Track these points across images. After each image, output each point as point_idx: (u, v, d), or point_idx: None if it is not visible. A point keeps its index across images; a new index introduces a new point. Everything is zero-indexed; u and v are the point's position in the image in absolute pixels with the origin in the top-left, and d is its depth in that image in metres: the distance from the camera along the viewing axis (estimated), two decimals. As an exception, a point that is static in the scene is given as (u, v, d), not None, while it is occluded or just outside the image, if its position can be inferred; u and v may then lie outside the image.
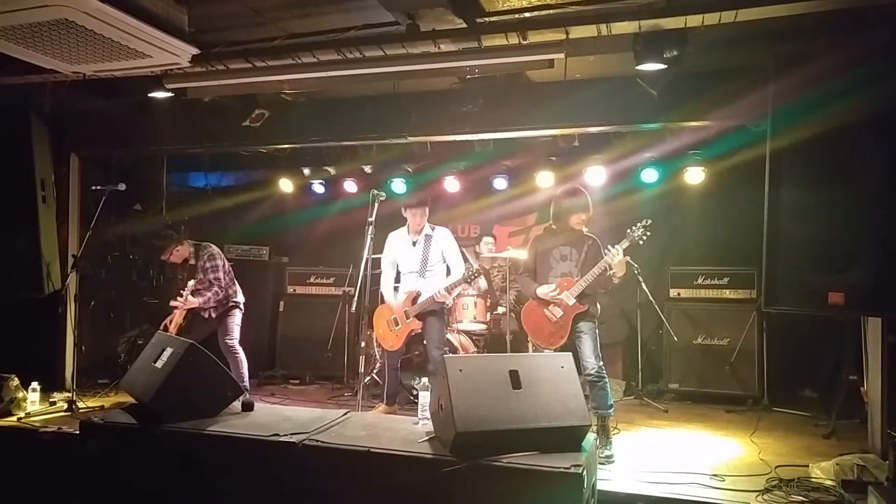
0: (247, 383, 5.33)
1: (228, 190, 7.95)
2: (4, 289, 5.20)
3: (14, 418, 5.05)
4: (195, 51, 3.76)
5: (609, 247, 4.21)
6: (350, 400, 5.87)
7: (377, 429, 3.34)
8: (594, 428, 3.88)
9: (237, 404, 3.72)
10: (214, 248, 5.43)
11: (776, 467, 4.02)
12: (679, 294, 6.32)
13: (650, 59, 3.93)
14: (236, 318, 5.42)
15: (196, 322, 5.35)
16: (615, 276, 4.22)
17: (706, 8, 3.51)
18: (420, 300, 5.16)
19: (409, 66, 4.18)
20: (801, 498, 3.52)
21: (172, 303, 5.31)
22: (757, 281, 5.88)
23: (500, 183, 6.96)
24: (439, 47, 3.96)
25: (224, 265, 5.40)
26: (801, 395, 5.93)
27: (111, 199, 5.63)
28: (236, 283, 5.53)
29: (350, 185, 7.28)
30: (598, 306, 4.45)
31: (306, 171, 7.13)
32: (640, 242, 4.28)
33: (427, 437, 3.14)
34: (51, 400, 5.49)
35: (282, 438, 3.14)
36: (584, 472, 2.72)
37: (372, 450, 2.95)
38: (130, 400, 3.85)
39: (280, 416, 3.62)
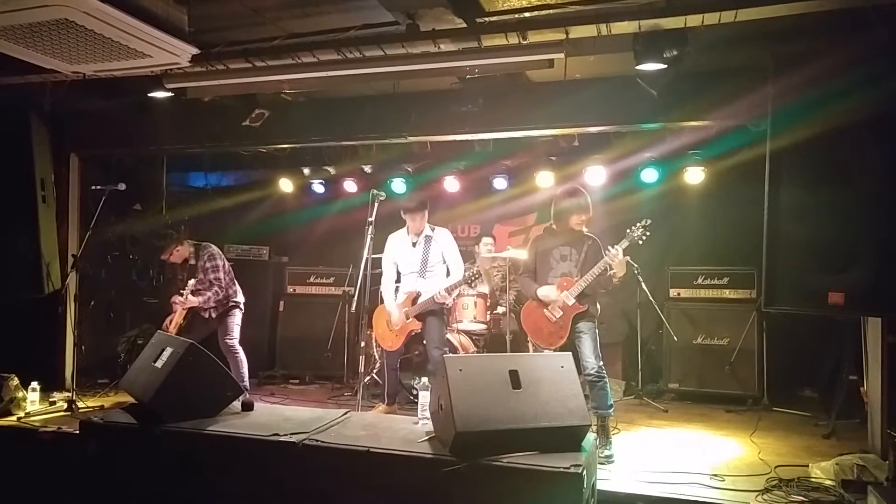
0: (247, 383, 5.33)
1: (228, 190, 7.95)
2: (4, 288, 5.20)
3: (14, 418, 5.05)
4: (195, 50, 3.76)
5: (609, 247, 4.21)
6: (350, 400, 5.87)
7: (377, 428, 3.34)
8: (594, 428, 3.88)
9: (237, 404, 3.72)
10: (214, 248, 5.43)
11: (776, 467, 4.02)
12: (679, 294, 6.32)
13: (650, 59, 3.93)
14: (236, 318, 5.42)
15: (196, 322, 5.36)
16: (615, 276, 4.21)
17: (706, 8, 3.51)
18: (420, 301, 5.16)
19: (408, 66, 4.18)
20: (801, 498, 3.52)
21: (173, 299, 5.31)
22: (757, 281, 5.88)
23: (499, 183, 6.96)
24: (439, 47, 3.96)
25: (224, 265, 5.40)
26: (801, 395, 5.93)
27: (111, 199, 5.63)
28: (236, 283, 5.53)
29: (350, 185, 7.28)
30: (598, 306, 4.45)
31: (306, 171, 7.14)
32: (640, 242, 4.27)
33: (427, 437, 3.14)
34: (50, 400, 5.48)
35: (282, 438, 3.14)
36: (584, 472, 2.72)
37: (372, 449, 2.95)
38: (130, 400, 3.85)
39: (280, 415, 3.62)
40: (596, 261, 4.27)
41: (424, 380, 3.82)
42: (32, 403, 5.24)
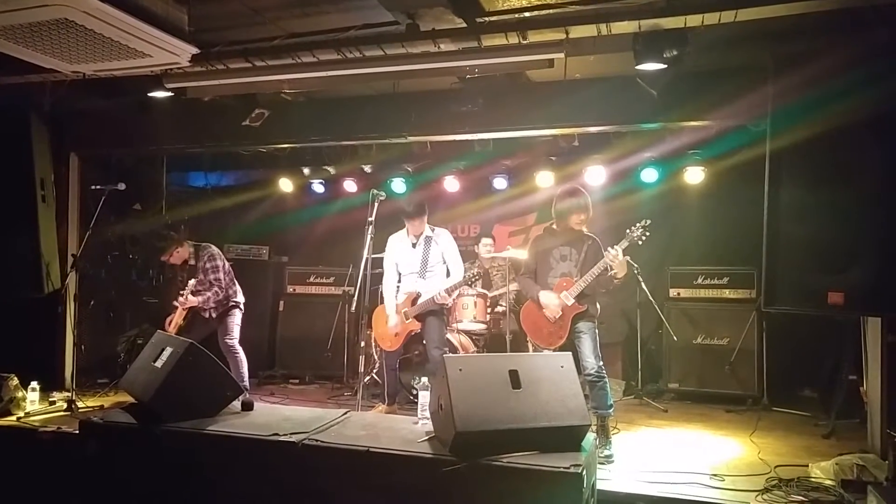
0: (246, 383, 5.33)
1: (228, 189, 7.95)
2: (4, 288, 5.20)
3: (13, 418, 5.05)
4: (195, 50, 3.76)
5: (609, 248, 4.21)
6: (350, 399, 5.87)
7: (377, 428, 3.34)
8: (594, 428, 3.88)
9: (237, 404, 3.71)
10: (214, 249, 5.43)
11: (776, 467, 4.02)
12: (679, 294, 6.33)
13: (650, 59, 3.93)
14: (236, 318, 5.42)
15: (196, 322, 5.36)
16: (616, 277, 4.21)
17: (706, 8, 3.51)
18: (420, 301, 5.16)
19: (408, 66, 4.17)
20: (801, 498, 3.52)
21: (175, 301, 5.32)
22: (757, 281, 5.88)
23: (499, 183, 6.96)
24: (439, 47, 3.96)
25: (224, 265, 5.41)
26: (801, 394, 5.93)
27: (111, 199, 5.62)
28: (236, 283, 5.53)
29: (350, 185, 7.28)
30: (598, 306, 4.45)
31: (306, 171, 7.13)
32: (640, 243, 4.27)
33: (427, 437, 3.13)
34: (50, 399, 5.48)
35: (281, 438, 3.13)
36: (584, 472, 2.72)
37: (371, 449, 2.95)
38: (130, 399, 3.85)
39: (280, 415, 3.62)
40: (596, 261, 4.27)
41: (424, 380, 3.81)
42: (32, 403, 5.24)
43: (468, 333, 5.99)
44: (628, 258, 4.29)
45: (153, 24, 3.39)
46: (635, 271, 5.50)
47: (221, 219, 7.57)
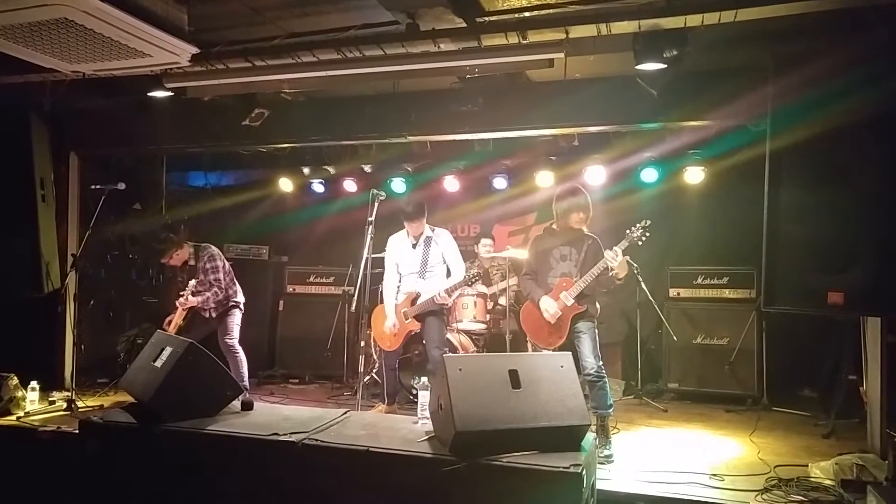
0: (246, 382, 5.33)
1: (228, 189, 7.94)
2: (4, 288, 5.21)
3: (13, 417, 5.05)
4: (195, 50, 3.76)
5: (608, 249, 4.20)
6: (349, 399, 5.87)
7: (377, 428, 3.34)
8: (594, 427, 3.88)
9: (237, 403, 3.72)
10: (214, 249, 5.43)
11: (775, 467, 4.02)
12: (678, 294, 6.33)
13: (650, 59, 3.93)
14: (236, 318, 5.42)
15: (196, 321, 5.35)
16: (617, 277, 4.21)
17: (706, 8, 3.51)
18: (419, 301, 5.16)
19: (408, 66, 4.17)
20: (801, 497, 3.52)
21: (176, 303, 5.32)
22: (756, 281, 5.88)
23: (499, 182, 6.96)
24: (439, 47, 3.96)
25: (224, 266, 5.41)
26: (801, 394, 5.93)
27: (111, 199, 5.62)
28: (237, 283, 5.53)
29: (350, 185, 7.27)
30: (598, 306, 4.45)
31: (306, 171, 7.13)
32: (640, 243, 4.26)
33: (426, 437, 3.14)
34: (50, 399, 5.48)
35: (281, 438, 3.13)
36: (584, 472, 2.72)
37: (371, 449, 2.95)
38: (130, 399, 3.85)
39: (279, 415, 3.62)
40: (596, 261, 4.27)
41: (424, 379, 3.81)
42: (32, 403, 5.24)
43: (468, 333, 5.99)
44: (628, 258, 4.28)
45: (153, 24, 3.39)
46: (635, 271, 5.50)
47: (221, 218, 7.57)
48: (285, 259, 7.74)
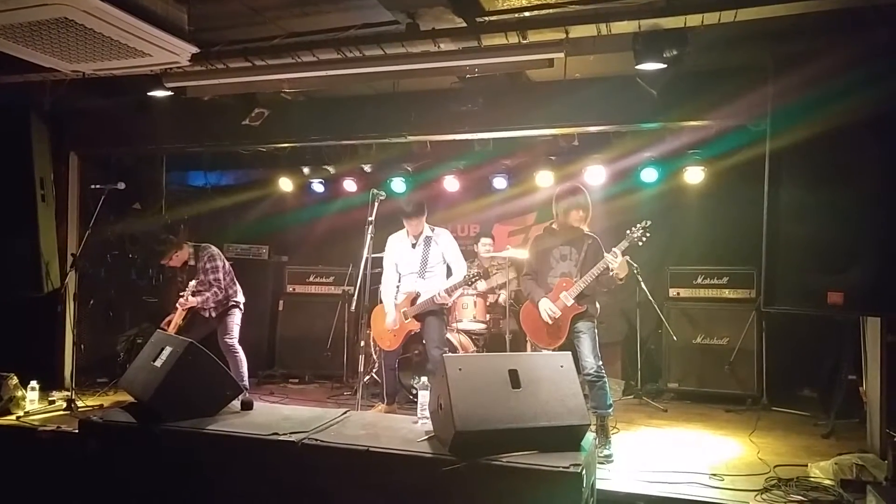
0: (246, 382, 5.33)
1: (228, 189, 7.94)
2: (4, 288, 5.21)
3: (13, 417, 5.05)
4: (195, 49, 3.76)
5: (608, 252, 4.20)
6: (349, 399, 5.87)
7: (376, 428, 3.34)
8: (593, 427, 3.88)
9: (236, 403, 3.72)
10: (214, 249, 5.43)
11: (775, 467, 4.02)
12: (678, 294, 6.33)
13: (650, 59, 3.93)
14: (236, 318, 5.42)
15: (196, 321, 5.35)
16: (618, 277, 4.20)
17: (706, 7, 3.51)
18: (419, 301, 5.16)
19: (408, 66, 4.17)
20: (800, 497, 3.52)
21: (177, 304, 5.32)
22: (756, 281, 5.88)
23: (499, 182, 6.95)
24: (439, 46, 3.96)
25: (224, 266, 5.41)
26: (801, 394, 5.93)
27: (110, 198, 5.62)
28: (237, 282, 5.53)
29: (350, 185, 7.27)
30: (598, 306, 4.45)
31: (306, 171, 7.12)
32: (640, 244, 4.26)
33: (426, 437, 3.14)
34: (50, 399, 5.48)
35: (281, 437, 3.13)
36: (584, 472, 2.72)
37: (371, 449, 2.95)
38: (130, 399, 3.85)
39: (279, 415, 3.62)
40: (596, 260, 4.27)
41: (424, 379, 3.81)
42: (31, 402, 5.25)
43: (468, 333, 6.00)
44: (627, 258, 4.29)
45: (153, 24, 3.39)
46: (635, 271, 5.50)
47: (221, 218, 7.57)
48: (285, 259, 7.74)
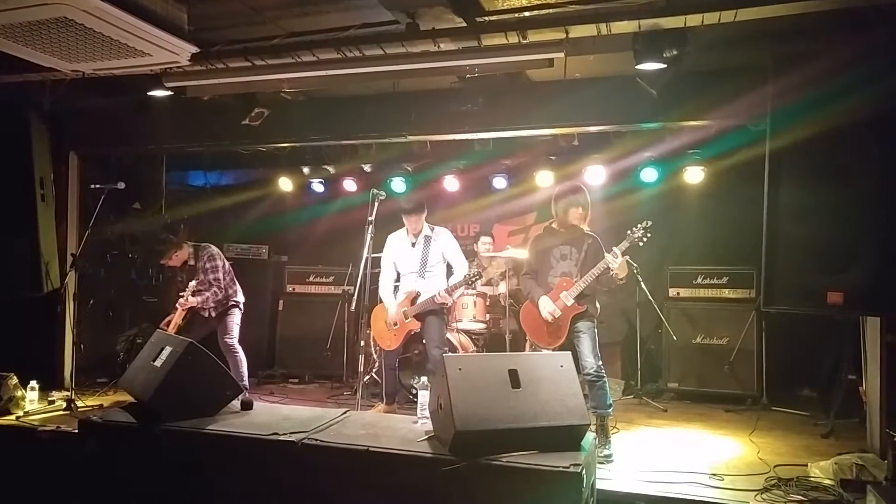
0: (246, 382, 5.32)
1: (228, 189, 7.94)
2: (3, 287, 5.20)
3: (13, 417, 5.04)
4: (194, 49, 3.76)
5: (608, 252, 4.19)
6: (349, 399, 5.87)
7: (376, 428, 3.34)
8: (593, 427, 3.88)
9: (236, 403, 3.72)
10: (214, 249, 5.43)
11: (775, 466, 4.02)
12: (678, 293, 6.33)
13: (650, 59, 3.93)
14: (236, 317, 5.42)
15: (195, 321, 5.35)
16: (618, 277, 4.20)
17: (706, 7, 3.51)
18: (419, 301, 5.16)
19: (408, 66, 4.17)
20: (800, 497, 3.52)
21: (177, 304, 5.32)
22: (756, 280, 5.88)
23: (499, 182, 6.96)
24: (439, 46, 3.96)
25: (224, 265, 5.40)
26: (800, 394, 5.93)
27: (110, 198, 5.62)
28: (237, 282, 5.53)
29: (350, 184, 7.27)
30: (598, 306, 4.45)
31: (306, 170, 7.12)
32: (640, 244, 4.26)
33: (426, 436, 3.14)
34: (49, 399, 5.48)
35: (281, 437, 3.13)
36: (584, 472, 2.72)
37: (371, 449, 2.95)
38: (129, 399, 3.85)
39: (279, 414, 3.62)
40: (596, 260, 4.27)
41: (424, 379, 3.81)
42: (31, 402, 5.24)
43: (468, 333, 5.99)
44: (627, 258, 4.29)
45: (153, 23, 3.38)
46: (635, 271, 5.50)
47: (221, 218, 7.57)
48: (285, 259, 7.74)
